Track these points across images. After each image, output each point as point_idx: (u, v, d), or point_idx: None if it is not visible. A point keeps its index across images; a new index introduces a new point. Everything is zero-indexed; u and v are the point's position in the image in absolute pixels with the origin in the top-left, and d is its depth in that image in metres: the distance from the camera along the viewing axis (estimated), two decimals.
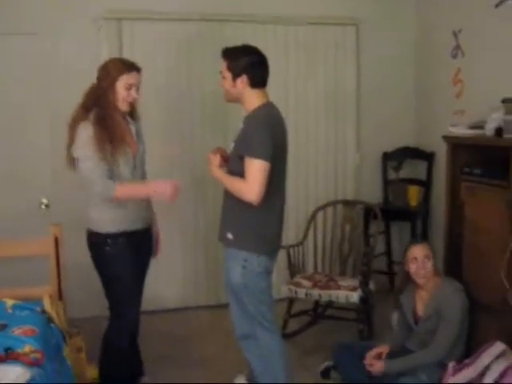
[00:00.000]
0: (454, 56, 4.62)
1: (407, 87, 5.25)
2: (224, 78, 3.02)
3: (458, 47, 4.57)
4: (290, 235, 4.91)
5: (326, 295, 4.08)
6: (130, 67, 3.10)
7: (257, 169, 2.85)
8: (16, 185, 4.41)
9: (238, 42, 3.12)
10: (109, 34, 4.50)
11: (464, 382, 3.13)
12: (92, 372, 3.35)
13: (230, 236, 3.04)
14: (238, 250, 3.01)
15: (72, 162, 3.11)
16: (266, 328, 3.12)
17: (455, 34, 4.58)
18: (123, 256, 3.13)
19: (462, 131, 3.88)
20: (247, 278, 3.01)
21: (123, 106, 3.10)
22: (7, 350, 2.62)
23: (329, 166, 5.11)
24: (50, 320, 3.08)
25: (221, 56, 3.03)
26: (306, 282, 4.18)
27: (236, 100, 3.07)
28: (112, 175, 3.03)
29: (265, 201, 2.90)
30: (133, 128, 3.22)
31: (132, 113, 3.24)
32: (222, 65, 3.02)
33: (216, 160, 3.06)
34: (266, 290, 3.11)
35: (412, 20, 5.21)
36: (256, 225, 3.00)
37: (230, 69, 2.98)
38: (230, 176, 3.01)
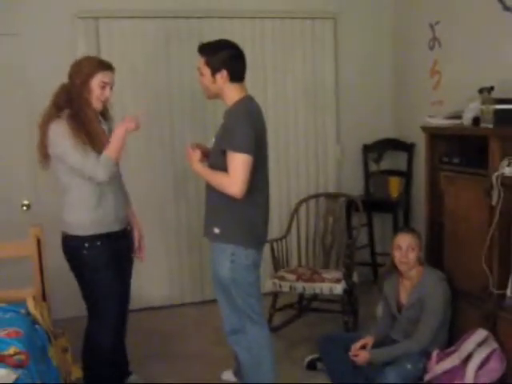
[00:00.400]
0: (431, 48, 4.65)
1: (385, 79, 5.29)
2: (202, 74, 3.01)
3: (434, 39, 4.61)
4: (273, 229, 4.91)
5: (310, 288, 4.11)
6: (105, 66, 3.09)
7: (239, 162, 2.85)
8: None
9: (216, 38, 3.12)
10: (86, 32, 4.48)
11: (448, 368, 3.18)
12: (77, 372, 3.35)
13: (216, 230, 3.04)
14: (226, 243, 3.01)
15: (44, 161, 3.08)
16: (256, 321, 3.12)
17: (432, 27, 4.61)
18: (101, 259, 3.10)
19: (439, 122, 3.92)
20: (235, 271, 3.01)
21: (97, 105, 3.08)
22: None
23: (310, 159, 5.13)
24: (34, 321, 3.06)
25: (198, 52, 3.02)
26: (290, 276, 4.20)
27: (216, 96, 3.06)
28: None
29: (250, 194, 2.91)
30: (105, 128, 3.19)
31: (104, 113, 3.22)
32: (200, 61, 3.01)
33: (196, 155, 3.06)
34: (255, 284, 3.11)
35: (389, 12, 5.23)
36: (242, 218, 3.00)
37: (208, 64, 2.97)
38: (212, 170, 3.01)
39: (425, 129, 3.99)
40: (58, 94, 3.07)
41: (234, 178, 2.86)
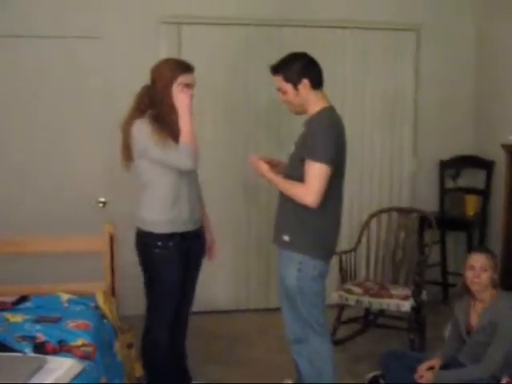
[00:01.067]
0: None
1: (467, 94, 5.13)
2: (284, 91, 3.01)
3: None
4: (342, 241, 4.86)
5: (376, 303, 4.03)
6: (185, 68, 3.11)
7: (317, 172, 2.84)
8: (74, 183, 4.54)
9: (296, 46, 3.12)
10: (168, 37, 4.58)
11: None
12: (140, 369, 3.41)
13: (286, 238, 3.03)
14: (294, 252, 3.00)
15: (127, 162, 3.16)
16: (318, 333, 3.10)
17: None
18: (171, 259, 3.14)
19: None
20: (302, 281, 3.00)
21: None
22: (60, 342, 2.70)
23: (384, 172, 5.05)
24: (102, 315, 3.16)
25: (272, 73, 3.02)
26: (357, 289, 4.14)
27: (302, 108, 3.04)
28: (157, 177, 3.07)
29: (324, 205, 2.89)
30: None
31: None
32: (277, 81, 3.01)
33: (264, 165, 3.06)
34: (320, 294, 3.09)
35: (474, 23, 5.08)
36: (313, 228, 2.99)
37: (288, 79, 2.97)
38: (285, 179, 3.01)
39: (506, 147, 3.85)
40: (140, 96, 3.13)
41: (310, 187, 2.85)
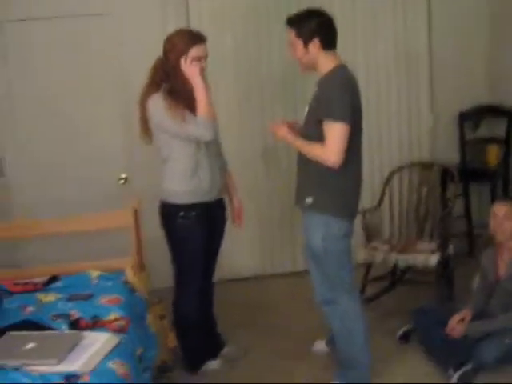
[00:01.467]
0: None
1: (482, 42, 5.01)
2: (294, 47, 2.98)
3: None
4: (365, 199, 4.82)
5: (403, 259, 4.03)
6: (197, 39, 3.11)
7: (337, 132, 2.83)
8: (96, 161, 4.56)
9: (306, 3, 3.07)
10: (176, 10, 4.52)
11: None
12: (174, 339, 3.47)
13: (309, 200, 3.03)
14: (319, 214, 3.00)
15: (146, 136, 3.19)
16: (347, 292, 3.12)
17: None
18: (194, 229, 3.20)
19: None
20: (328, 242, 3.01)
21: None
22: (94, 317, 2.76)
23: (402, 128, 4.98)
24: (133, 289, 3.21)
25: (286, 25, 2.99)
26: (383, 247, 4.14)
27: (311, 67, 3.02)
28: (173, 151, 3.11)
29: (344, 164, 2.88)
30: None
31: None
32: (290, 34, 2.98)
33: (284, 129, 3.05)
34: (347, 254, 3.11)
35: None
36: (336, 188, 2.99)
37: (299, 35, 2.94)
38: (305, 141, 2.99)
39: None
40: (154, 69, 3.15)
41: (331, 147, 2.84)
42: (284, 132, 3.06)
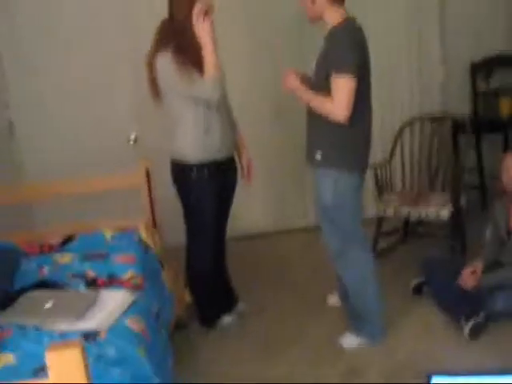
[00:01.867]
0: None
1: None
2: None
3: None
4: (376, 152, 4.79)
5: (415, 212, 4.04)
6: None
7: (344, 86, 2.81)
8: (105, 122, 4.55)
9: None
10: None
11: None
12: (188, 295, 3.53)
13: (319, 156, 3.03)
14: (328, 168, 3.01)
15: (156, 97, 3.17)
16: (359, 244, 3.16)
17: None
18: (206, 186, 3.22)
19: None
20: (338, 196, 3.02)
21: None
22: (110, 276, 2.80)
23: (413, 79, 4.91)
24: (147, 248, 3.24)
25: None
26: (394, 200, 4.14)
27: (318, 18, 2.99)
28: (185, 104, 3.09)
29: (353, 117, 2.87)
30: None
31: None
32: None
33: (295, 80, 3.03)
34: (358, 208, 3.13)
35: None
36: (345, 143, 2.99)
37: None
38: (315, 94, 2.97)
39: None
40: (161, 30, 3.12)
41: (339, 102, 2.83)
42: (295, 83, 3.03)
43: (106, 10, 4.41)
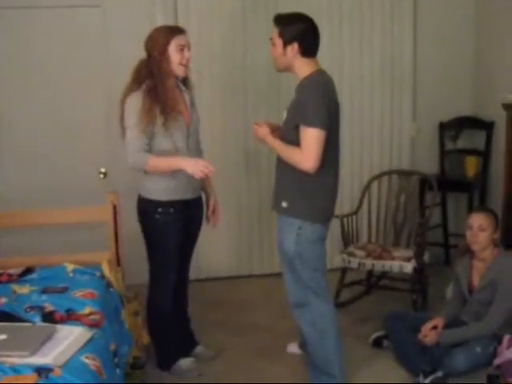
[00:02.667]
0: None
1: (466, 55, 5.08)
2: (274, 45, 3.00)
3: None
4: (344, 204, 4.89)
5: (379, 265, 4.07)
6: (176, 30, 3.15)
7: (313, 137, 2.84)
8: (75, 155, 4.53)
9: (292, 8, 3.09)
10: (164, 4, 4.51)
11: None
12: (147, 336, 3.46)
13: (284, 204, 3.05)
14: (293, 217, 3.02)
15: (123, 133, 3.18)
16: (320, 295, 3.13)
17: None
18: (171, 226, 3.20)
19: None
20: (301, 245, 3.02)
21: (179, 71, 3.13)
22: (68, 311, 2.74)
23: (384, 135, 5.02)
24: (108, 284, 3.19)
25: (273, 22, 3.02)
26: (359, 252, 4.17)
27: (286, 69, 3.05)
28: (150, 148, 3.09)
29: (320, 169, 2.90)
30: (187, 97, 3.26)
31: (185, 81, 3.27)
32: (274, 31, 3.01)
33: (265, 129, 3.07)
34: (320, 258, 3.12)
35: None
36: (311, 193, 3.00)
37: (281, 35, 2.96)
38: (284, 144, 3.01)
39: (506, 106, 3.84)
40: (137, 69, 3.16)
41: (308, 153, 2.86)
42: (264, 133, 3.07)
43: (81, 48, 4.47)
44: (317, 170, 2.88)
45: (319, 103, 2.86)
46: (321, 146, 2.85)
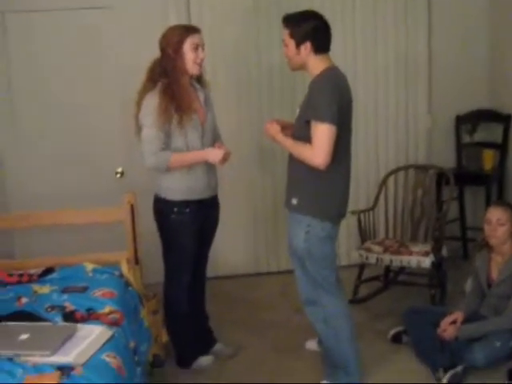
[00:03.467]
0: None
1: (482, 47, 5.04)
2: (287, 46, 3.01)
3: None
4: (360, 200, 4.89)
5: (397, 260, 4.06)
6: (191, 29, 3.16)
7: (324, 133, 2.84)
8: (92, 156, 4.57)
9: (305, 7, 3.09)
10: (177, 4, 4.54)
11: None
12: (166, 334, 3.48)
13: (294, 201, 3.05)
14: (302, 215, 3.02)
15: (139, 131, 3.20)
16: (330, 292, 3.12)
17: None
18: (187, 226, 3.21)
19: None
20: (310, 243, 3.02)
21: (194, 69, 3.14)
22: (89, 310, 2.76)
23: (400, 129, 5.00)
24: (127, 283, 3.22)
25: (282, 24, 3.01)
26: (377, 248, 4.16)
27: (300, 68, 3.06)
28: (168, 146, 3.11)
29: (331, 165, 2.89)
30: (201, 95, 3.27)
31: (200, 79, 3.28)
32: (284, 33, 3.00)
33: (276, 127, 3.07)
34: (330, 256, 3.11)
35: None
36: (321, 190, 3.00)
37: (292, 36, 2.96)
38: (295, 141, 3.01)
39: None
40: (152, 68, 3.17)
41: (318, 148, 2.85)
42: (274, 130, 3.08)
43: (95, 49, 4.51)
44: (328, 166, 2.87)
45: (330, 99, 2.86)
46: (332, 141, 2.85)
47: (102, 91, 4.55)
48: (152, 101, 3.07)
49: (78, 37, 4.48)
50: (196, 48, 3.11)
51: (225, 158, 3.16)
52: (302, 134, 2.96)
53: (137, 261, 3.53)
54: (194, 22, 4.44)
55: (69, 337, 2.42)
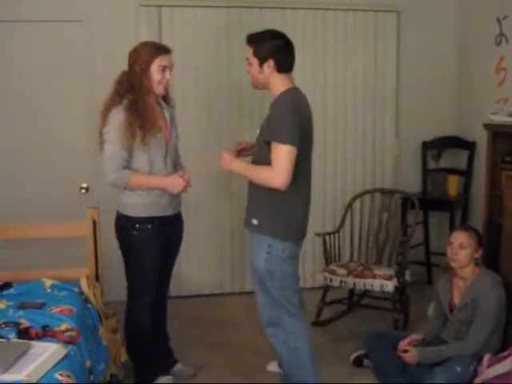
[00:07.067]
0: (498, 43, 4.51)
1: (448, 75, 5.15)
2: (250, 64, 3.01)
3: (501, 34, 4.46)
4: (326, 223, 4.91)
5: (360, 283, 4.06)
6: (162, 49, 3.12)
7: (284, 154, 2.82)
8: (57, 170, 4.51)
9: (277, 28, 3.10)
10: (148, 20, 4.53)
11: (500, 373, 3.09)
12: (125, 353, 3.41)
13: (254, 222, 3.03)
14: (263, 235, 3.00)
15: (102, 144, 3.15)
16: (291, 314, 3.09)
17: (499, 21, 4.46)
18: (150, 243, 3.16)
19: (503, 118, 3.81)
20: (271, 263, 3.00)
21: (159, 90, 3.12)
22: (44, 327, 2.69)
23: (367, 154, 5.06)
24: (86, 301, 3.15)
25: (246, 42, 3.02)
26: (341, 270, 4.16)
27: (263, 87, 3.05)
28: (129, 165, 3.07)
29: (291, 186, 2.88)
30: (167, 113, 3.24)
31: (166, 98, 3.26)
32: (248, 51, 3.01)
33: (229, 158, 3.06)
34: (291, 276, 3.09)
35: (454, 6, 5.10)
36: (281, 210, 2.98)
37: (255, 54, 2.96)
38: (252, 166, 3.01)
39: (487, 126, 3.88)
40: (119, 81, 3.13)
41: (278, 170, 2.84)
42: (228, 163, 3.06)
43: (65, 62, 4.48)
44: (287, 187, 2.86)
45: (290, 120, 2.85)
46: (292, 162, 2.84)
47: (70, 105, 4.51)
48: (118, 116, 3.03)
49: (49, 49, 4.44)
50: (163, 70, 3.09)
51: (185, 187, 3.12)
52: (261, 154, 2.96)
53: (97, 277, 3.46)
54: (165, 38, 4.45)
55: (22, 354, 2.35)
